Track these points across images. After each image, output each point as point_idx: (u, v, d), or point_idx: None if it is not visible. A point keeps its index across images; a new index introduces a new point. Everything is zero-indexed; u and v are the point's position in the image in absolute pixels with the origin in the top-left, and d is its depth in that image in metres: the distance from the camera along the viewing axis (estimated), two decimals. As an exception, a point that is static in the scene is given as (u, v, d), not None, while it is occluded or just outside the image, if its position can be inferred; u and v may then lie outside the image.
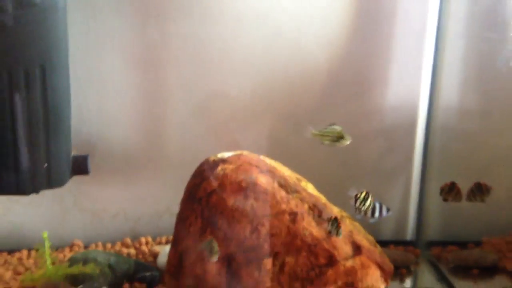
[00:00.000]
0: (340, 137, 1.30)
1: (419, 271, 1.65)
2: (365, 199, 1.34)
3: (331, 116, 1.70)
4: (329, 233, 1.34)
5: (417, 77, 1.69)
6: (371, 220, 1.36)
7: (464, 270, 1.60)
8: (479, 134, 1.61)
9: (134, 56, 1.63)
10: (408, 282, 1.59)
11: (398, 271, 1.60)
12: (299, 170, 1.49)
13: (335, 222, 1.33)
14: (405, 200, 1.79)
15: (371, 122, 1.73)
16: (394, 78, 1.69)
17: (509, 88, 1.47)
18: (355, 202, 1.34)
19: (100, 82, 1.63)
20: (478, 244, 1.69)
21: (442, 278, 1.60)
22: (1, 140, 1.41)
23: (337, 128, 1.31)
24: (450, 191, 1.44)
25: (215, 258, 1.25)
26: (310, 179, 1.49)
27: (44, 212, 1.70)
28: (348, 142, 1.31)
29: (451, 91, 1.65)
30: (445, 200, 1.43)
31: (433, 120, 1.70)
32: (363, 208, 1.33)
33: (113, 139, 1.68)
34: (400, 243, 1.75)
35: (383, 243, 1.65)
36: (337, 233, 1.31)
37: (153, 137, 1.70)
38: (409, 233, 1.81)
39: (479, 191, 1.42)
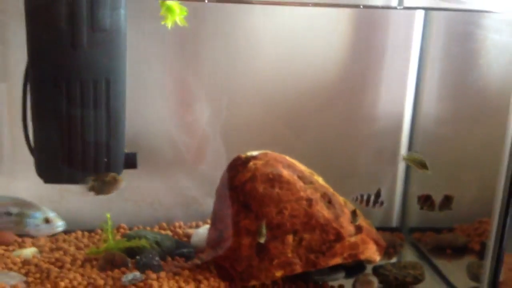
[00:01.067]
0: (422, 165, 1.64)
1: (403, 251, 2.02)
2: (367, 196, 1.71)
3: (331, 120, 2.06)
4: (353, 218, 1.69)
5: (403, 90, 2.03)
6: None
7: (440, 250, 1.96)
8: (452, 136, 1.91)
9: (172, 71, 1.95)
10: (395, 259, 1.95)
11: (387, 251, 1.96)
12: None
13: (355, 213, 1.69)
14: (392, 193, 2.14)
15: (364, 127, 2.06)
16: (383, 91, 2.03)
17: (476, 100, 1.76)
18: (361, 201, 1.70)
19: (144, 92, 1.95)
20: (451, 229, 2.05)
21: (422, 256, 1.96)
22: (73, 138, 1.73)
23: (418, 155, 1.64)
24: (425, 201, 1.81)
25: (262, 240, 1.59)
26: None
27: (93, 201, 2.00)
28: (427, 172, 1.63)
29: (431, 102, 1.98)
30: (421, 208, 1.74)
31: (416, 125, 2.04)
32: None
33: (152, 140, 1.99)
34: (387, 229, 2.09)
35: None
36: (355, 220, 1.67)
37: (184, 139, 2.03)
38: (395, 221, 2.16)
39: (448, 202, 1.79)
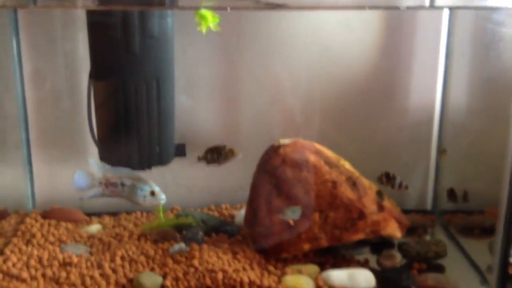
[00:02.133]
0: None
1: (433, 231, 2.16)
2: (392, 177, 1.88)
3: (367, 114, 2.23)
4: (379, 197, 1.86)
5: (433, 84, 2.17)
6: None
7: (468, 231, 2.08)
8: (479, 128, 1.99)
9: (216, 72, 2.19)
10: (425, 237, 2.09)
11: (417, 231, 2.11)
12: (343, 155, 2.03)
13: (380, 193, 1.86)
14: (425, 179, 2.28)
15: (398, 119, 2.22)
16: (415, 85, 2.19)
17: (499, 93, 1.81)
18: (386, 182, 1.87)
19: (192, 90, 2.20)
20: (481, 212, 2.15)
21: (450, 236, 2.09)
22: (130, 130, 2.00)
23: None
24: (450, 195, 2.00)
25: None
26: (351, 161, 2.02)
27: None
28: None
29: (458, 95, 2.10)
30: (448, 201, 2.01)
31: (445, 117, 2.17)
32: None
33: (201, 132, 2.21)
34: (421, 211, 2.25)
35: (408, 211, 2.18)
36: (383, 199, 1.84)
37: (229, 130, 2.23)
38: (428, 204, 2.31)
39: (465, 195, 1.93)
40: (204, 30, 1.73)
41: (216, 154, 1.90)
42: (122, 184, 1.75)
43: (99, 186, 1.76)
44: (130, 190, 1.74)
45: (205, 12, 1.67)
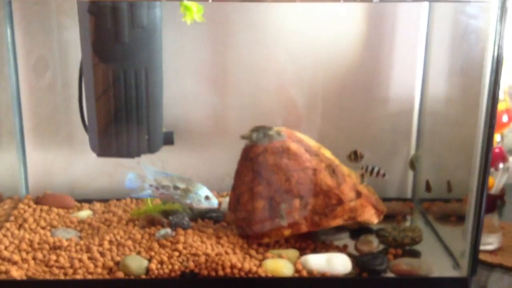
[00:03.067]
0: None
1: (412, 218, 2.23)
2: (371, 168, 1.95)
3: (349, 104, 2.30)
4: (372, 169, 1.93)
5: (412, 75, 2.24)
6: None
7: (445, 218, 2.15)
8: (456, 117, 2.05)
9: (205, 61, 2.25)
10: (403, 224, 2.17)
11: (396, 217, 2.19)
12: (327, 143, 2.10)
13: (362, 176, 1.93)
14: (406, 168, 2.36)
15: (380, 109, 2.29)
16: (396, 76, 2.25)
17: (472, 83, 1.84)
18: (366, 170, 1.95)
19: (182, 80, 2.25)
20: (459, 200, 2.22)
21: (427, 223, 2.17)
22: (118, 119, 2.07)
23: None
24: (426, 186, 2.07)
25: (284, 223, 1.85)
26: (334, 150, 2.09)
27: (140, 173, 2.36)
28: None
29: (436, 86, 2.16)
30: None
31: (424, 107, 2.25)
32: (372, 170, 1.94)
33: (190, 120, 2.27)
34: (401, 199, 2.32)
35: (389, 199, 2.26)
36: (363, 182, 1.92)
37: (218, 120, 2.29)
38: (409, 192, 2.38)
39: (449, 186, 2.01)
40: (188, 21, 1.80)
41: (263, 134, 1.94)
42: (175, 187, 1.83)
43: (149, 188, 1.82)
44: (183, 193, 1.83)
45: (188, 3, 1.74)
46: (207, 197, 1.86)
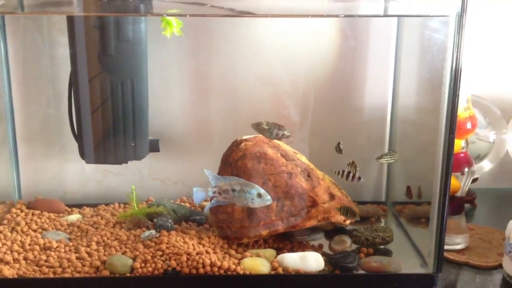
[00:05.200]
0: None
1: (385, 220, 2.35)
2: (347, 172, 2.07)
3: (326, 113, 2.42)
4: (348, 173, 2.03)
5: (385, 85, 2.37)
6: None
7: (416, 220, 2.27)
8: (425, 124, 2.12)
9: (189, 72, 2.37)
10: (376, 225, 2.28)
11: (370, 219, 2.31)
12: (304, 149, 2.22)
13: (353, 165, 2.03)
14: (380, 173, 2.49)
15: (355, 117, 2.42)
16: (369, 86, 2.39)
17: (435, 92, 1.88)
18: (342, 174, 2.07)
19: (167, 90, 2.37)
20: (429, 203, 2.33)
21: (399, 224, 2.29)
22: (106, 127, 2.19)
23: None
24: (407, 191, 2.17)
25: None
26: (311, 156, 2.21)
27: (128, 179, 2.44)
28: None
29: (406, 95, 2.29)
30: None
31: (395, 115, 2.38)
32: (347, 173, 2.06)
33: (175, 128, 2.40)
34: (376, 202, 2.44)
35: (364, 203, 2.39)
36: (356, 172, 2.02)
37: (201, 128, 2.41)
38: (383, 196, 2.51)
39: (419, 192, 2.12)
40: (168, 34, 1.92)
41: (276, 130, 2.05)
42: (233, 190, 1.92)
43: (213, 194, 1.93)
44: (239, 195, 1.91)
45: (169, 18, 1.87)
46: (259, 195, 1.90)
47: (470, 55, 2.40)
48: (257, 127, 2.02)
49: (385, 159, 2.13)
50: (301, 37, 2.34)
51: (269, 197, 1.89)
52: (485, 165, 2.61)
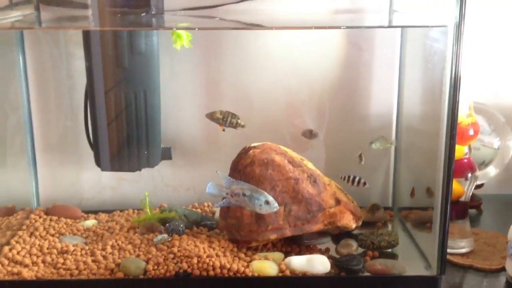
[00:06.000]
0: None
1: (392, 225, 2.41)
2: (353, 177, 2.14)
3: (332, 121, 2.49)
4: (354, 178, 2.14)
5: (390, 93, 2.44)
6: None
7: (422, 224, 2.32)
8: (429, 130, 2.13)
9: (199, 82, 2.46)
10: (381, 229, 2.33)
11: (376, 224, 2.37)
12: (310, 156, 2.28)
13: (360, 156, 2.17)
14: (387, 179, 2.55)
15: (360, 125, 2.49)
16: (374, 95, 2.46)
17: (437, 99, 1.94)
18: (347, 179, 2.14)
19: (178, 100, 2.46)
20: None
21: (405, 229, 2.34)
22: (120, 136, 2.28)
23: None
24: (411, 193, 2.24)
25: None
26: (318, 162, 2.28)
27: (141, 186, 2.53)
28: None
29: (410, 103, 2.36)
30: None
31: (400, 122, 2.45)
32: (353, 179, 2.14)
33: (187, 137, 2.49)
34: (383, 208, 2.50)
35: (371, 208, 2.44)
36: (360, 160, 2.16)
37: (212, 136, 2.49)
38: (390, 201, 2.57)
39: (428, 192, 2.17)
40: (178, 47, 2.01)
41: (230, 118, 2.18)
42: (244, 194, 1.99)
43: (226, 195, 2.00)
44: (249, 200, 1.98)
45: (179, 31, 1.96)
46: (267, 202, 1.95)
47: (473, 63, 2.48)
48: (212, 116, 2.12)
49: (376, 145, 2.19)
50: (309, 47, 2.42)
51: (276, 204, 1.95)
52: (491, 171, 2.66)
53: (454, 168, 1.89)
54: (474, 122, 2.14)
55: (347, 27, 2.40)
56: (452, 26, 1.79)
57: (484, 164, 2.64)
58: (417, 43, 2.22)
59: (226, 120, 2.10)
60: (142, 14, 2.09)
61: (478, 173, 2.19)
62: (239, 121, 2.10)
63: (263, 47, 2.42)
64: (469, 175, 2.17)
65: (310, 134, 2.19)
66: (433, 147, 1.98)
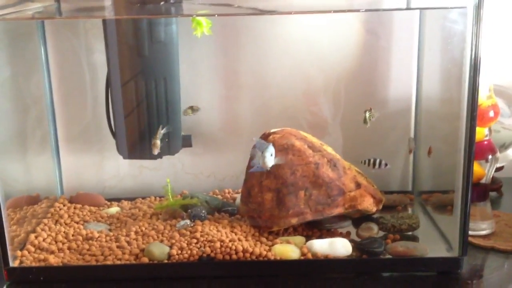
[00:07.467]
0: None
1: (412, 208, 2.42)
2: (373, 160, 2.15)
3: (351, 106, 2.49)
4: (374, 161, 2.14)
5: (409, 77, 2.43)
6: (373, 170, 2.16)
7: (442, 207, 2.33)
8: (446, 112, 2.18)
9: (219, 70, 2.48)
10: (402, 212, 2.34)
11: (396, 207, 2.38)
12: (330, 141, 2.29)
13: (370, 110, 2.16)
14: (406, 162, 2.55)
15: (380, 109, 2.48)
16: (393, 79, 2.45)
17: (457, 81, 1.93)
18: (368, 163, 2.15)
19: (198, 88, 2.49)
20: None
21: (426, 212, 2.35)
22: (141, 124, 2.30)
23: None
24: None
25: None
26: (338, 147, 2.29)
27: (163, 174, 2.55)
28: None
29: (429, 85, 2.35)
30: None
31: (419, 105, 2.44)
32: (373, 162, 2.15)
33: (207, 124, 2.50)
34: (403, 192, 2.50)
35: (392, 192, 2.45)
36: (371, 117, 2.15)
37: (232, 123, 2.52)
38: (410, 185, 2.57)
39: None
40: (199, 34, 2.03)
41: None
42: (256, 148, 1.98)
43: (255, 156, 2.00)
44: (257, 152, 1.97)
45: (199, 18, 1.97)
46: (265, 156, 1.95)
47: (493, 44, 2.47)
48: None
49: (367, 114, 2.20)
50: (327, 32, 2.42)
51: (269, 164, 1.94)
52: (511, 154, 2.65)
53: (474, 150, 1.89)
54: (494, 104, 2.13)
55: (366, 10, 2.39)
56: (471, 7, 1.78)
57: (504, 146, 2.62)
58: (436, 26, 2.22)
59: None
60: (161, 3, 2.11)
61: (498, 155, 2.19)
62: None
63: (281, 34, 2.43)
64: (490, 157, 2.17)
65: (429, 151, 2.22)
66: (453, 130, 1.98)
